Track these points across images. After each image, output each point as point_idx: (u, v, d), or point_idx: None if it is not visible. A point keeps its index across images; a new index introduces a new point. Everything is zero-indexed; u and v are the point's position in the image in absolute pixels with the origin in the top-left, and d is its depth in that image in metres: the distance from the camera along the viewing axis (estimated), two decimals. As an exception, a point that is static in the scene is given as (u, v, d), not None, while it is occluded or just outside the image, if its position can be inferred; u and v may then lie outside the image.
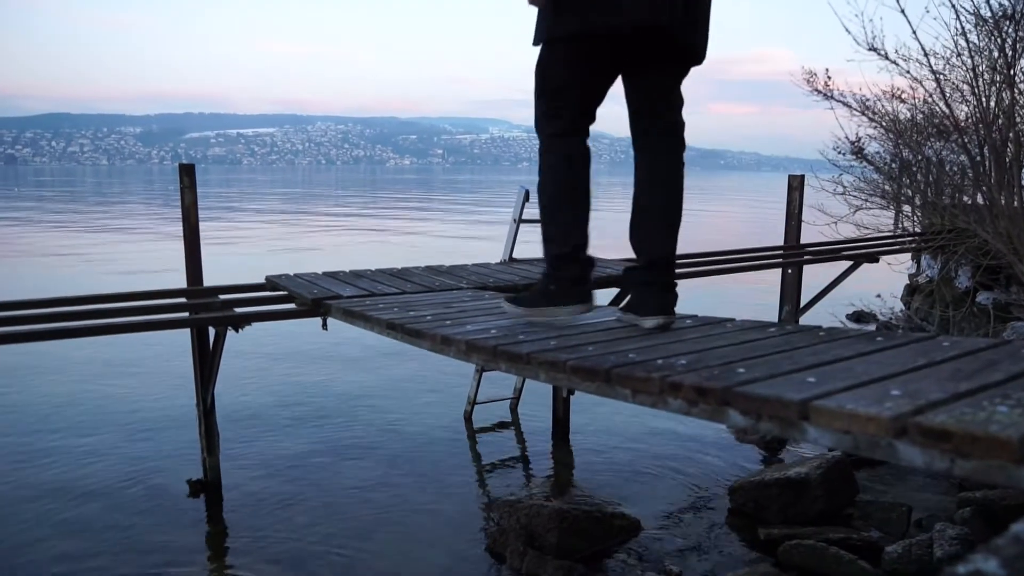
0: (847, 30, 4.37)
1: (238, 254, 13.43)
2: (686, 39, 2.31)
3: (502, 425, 5.28)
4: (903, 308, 8.65)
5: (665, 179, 2.45)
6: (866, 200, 7.62)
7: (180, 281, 4.11)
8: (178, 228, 4.09)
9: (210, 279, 4.12)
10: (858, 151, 6.58)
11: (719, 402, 1.43)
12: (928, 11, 4.12)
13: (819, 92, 6.43)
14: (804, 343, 1.86)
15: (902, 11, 3.26)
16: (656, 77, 2.39)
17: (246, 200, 35.51)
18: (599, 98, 2.42)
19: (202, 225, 4.13)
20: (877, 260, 6.19)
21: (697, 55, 2.38)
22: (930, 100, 6.78)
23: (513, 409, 5.47)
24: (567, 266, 2.47)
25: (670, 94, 2.44)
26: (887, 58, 4.68)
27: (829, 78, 6.49)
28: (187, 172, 3.95)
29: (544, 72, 2.37)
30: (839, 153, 7.20)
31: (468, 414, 5.30)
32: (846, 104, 6.32)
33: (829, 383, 1.37)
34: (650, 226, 2.44)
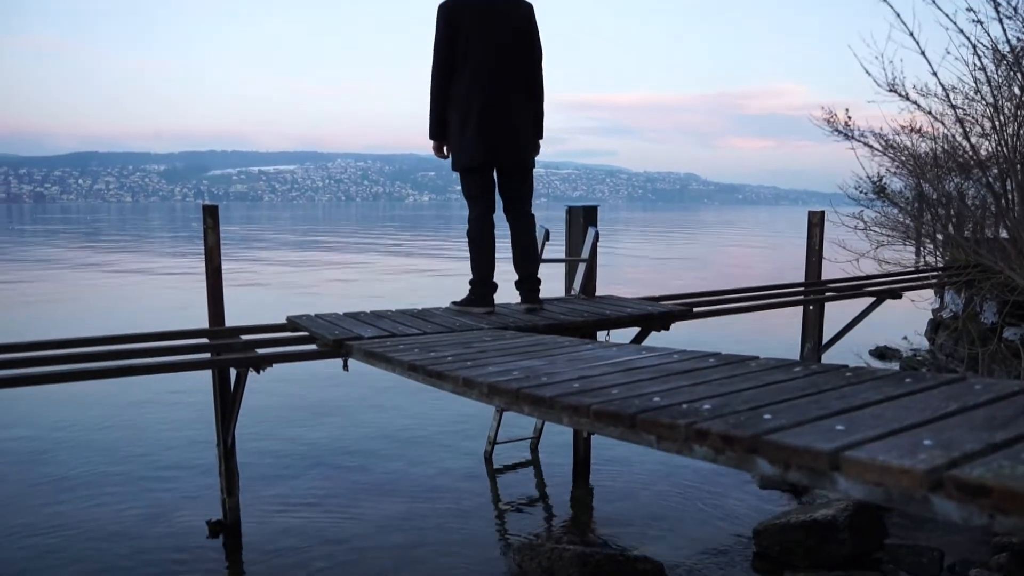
0: (867, 72, 4.40)
1: (259, 288, 13.53)
2: (516, 161, 4.24)
3: (522, 464, 5.23)
4: (928, 345, 8.54)
5: (522, 233, 4.34)
6: (887, 236, 7.57)
7: (202, 318, 4.13)
8: (193, 261, 4.13)
9: (232, 317, 4.14)
10: (880, 190, 6.55)
11: (746, 450, 1.40)
12: (948, 52, 4.14)
13: (839, 132, 6.42)
14: (830, 385, 1.84)
15: (922, 52, 3.26)
16: (508, 183, 4.30)
17: (267, 237, 35.87)
18: (492, 194, 4.28)
19: (223, 262, 4.16)
20: (900, 296, 6.12)
21: (526, 166, 4.31)
22: (950, 135, 6.76)
23: (533, 448, 5.43)
24: (480, 285, 4.23)
25: (520, 188, 4.33)
26: (908, 99, 4.68)
27: (849, 118, 6.50)
28: (210, 213, 3.99)
29: (462, 185, 4.30)
30: (861, 193, 7.17)
31: (488, 454, 5.27)
32: (867, 144, 6.32)
33: (859, 431, 1.34)
34: (517, 260, 4.33)
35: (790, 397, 1.71)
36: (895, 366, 7.97)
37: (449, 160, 4.31)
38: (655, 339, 4.51)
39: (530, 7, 4.26)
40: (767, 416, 1.53)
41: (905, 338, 8.69)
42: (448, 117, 4.19)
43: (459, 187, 4.37)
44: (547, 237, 4.75)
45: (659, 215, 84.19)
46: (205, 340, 3.76)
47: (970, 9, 3.35)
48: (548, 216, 4.69)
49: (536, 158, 4.47)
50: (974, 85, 5.68)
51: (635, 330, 4.32)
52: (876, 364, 8.00)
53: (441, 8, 4.11)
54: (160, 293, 13.62)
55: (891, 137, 7.43)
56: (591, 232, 4.85)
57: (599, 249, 5.03)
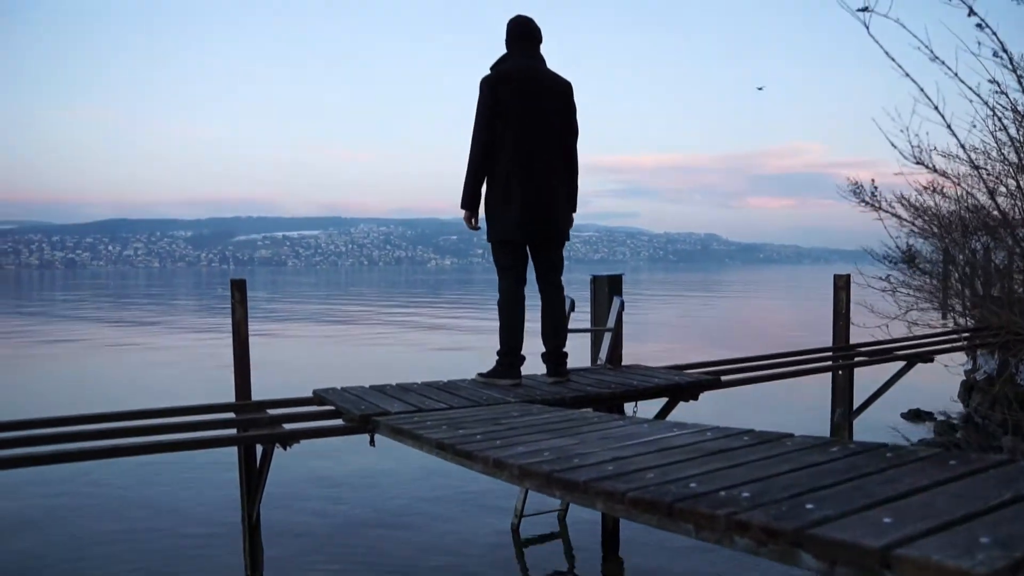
0: (893, 145, 4.42)
1: (284, 354, 13.58)
2: (551, 235, 4.33)
3: (550, 537, 5.12)
4: (962, 408, 8.35)
5: (553, 306, 4.40)
6: (916, 298, 7.48)
7: (228, 388, 4.14)
8: (218, 321, 4.16)
9: (256, 385, 4.14)
10: (910, 259, 6.51)
11: (790, 544, 1.36)
12: (975, 125, 4.17)
13: (866, 202, 6.44)
14: (872, 468, 1.79)
15: (948, 126, 3.27)
16: (542, 255, 4.39)
17: (291, 303, 36.19)
18: (524, 266, 4.34)
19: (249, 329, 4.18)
20: (932, 360, 6.02)
21: (561, 239, 4.42)
22: (974, 195, 6.73)
23: (561, 519, 5.31)
24: (508, 357, 4.24)
25: (553, 260, 4.41)
26: (935, 171, 4.68)
27: (875, 187, 6.52)
28: (238, 288, 4.03)
29: (494, 255, 4.33)
30: (891, 263, 7.12)
31: (515, 526, 5.16)
32: (895, 215, 6.31)
33: (908, 524, 1.30)
34: (546, 332, 4.39)
35: (831, 483, 1.66)
36: (929, 429, 7.79)
37: (471, 225, 4.36)
38: (683, 407, 4.45)
39: (569, 85, 4.37)
40: (809, 505, 1.49)
41: (942, 413, 8.49)
42: (485, 189, 4.25)
43: (480, 250, 4.49)
44: (572, 307, 4.75)
45: (680, 276, 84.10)
46: (232, 415, 3.76)
47: (993, 81, 3.38)
48: (569, 279, 4.71)
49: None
50: (996, 145, 5.68)
51: (663, 400, 4.27)
52: (909, 428, 7.82)
53: (484, 81, 4.20)
54: (180, 363, 13.71)
55: (916, 199, 7.42)
56: (616, 301, 4.85)
57: (624, 318, 5.02)
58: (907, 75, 3.06)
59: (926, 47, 2.98)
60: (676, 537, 4.88)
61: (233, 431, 3.48)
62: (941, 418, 7.98)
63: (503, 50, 4.39)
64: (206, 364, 12.90)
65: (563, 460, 2.10)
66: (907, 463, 1.80)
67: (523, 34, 4.29)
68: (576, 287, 4.95)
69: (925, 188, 7.13)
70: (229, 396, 4.19)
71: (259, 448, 3.76)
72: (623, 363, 4.91)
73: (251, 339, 4.26)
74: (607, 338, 4.88)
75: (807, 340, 7.07)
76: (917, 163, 4.43)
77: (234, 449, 3.99)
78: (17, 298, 43.84)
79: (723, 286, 53.21)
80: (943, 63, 3.01)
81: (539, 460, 2.13)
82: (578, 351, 5.03)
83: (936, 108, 3.18)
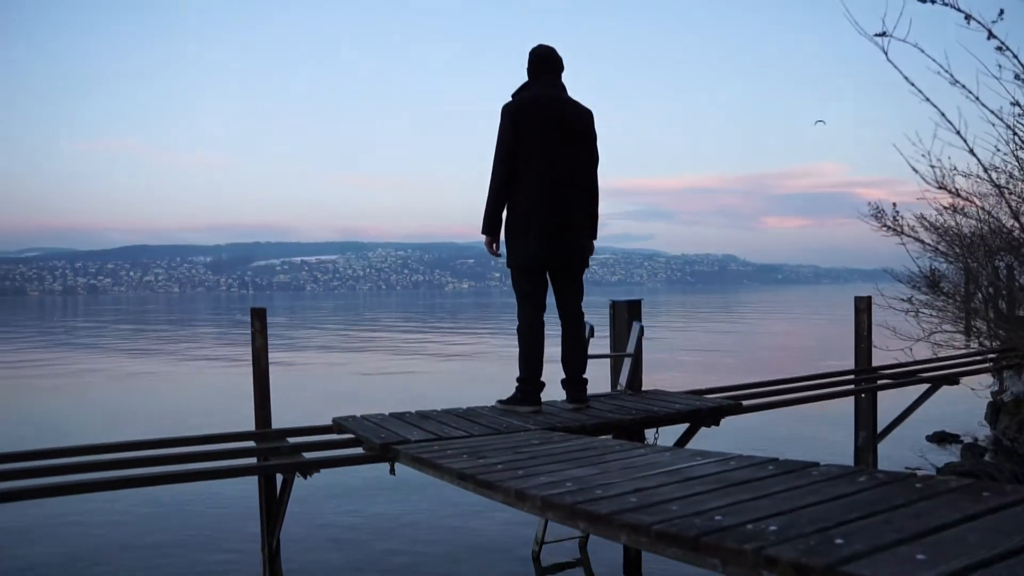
0: (914, 170, 4.40)
1: (302, 379, 13.61)
2: (568, 263, 4.31)
3: (571, 564, 5.06)
4: (989, 430, 8.21)
5: (573, 333, 4.38)
6: (939, 319, 7.39)
7: (248, 415, 4.14)
8: (233, 353, 4.17)
9: (276, 412, 4.14)
10: (934, 284, 6.44)
11: (821, 580, 1.33)
12: (998, 149, 4.13)
13: (888, 227, 6.39)
14: (901, 500, 1.75)
15: (971, 151, 3.25)
16: (562, 282, 4.39)
17: (310, 326, 36.34)
18: (544, 292, 4.35)
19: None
20: (957, 382, 5.93)
21: (581, 267, 4.40)
22: (995, 214, 6.67)
23: (582, 547, 5.25)
24: (528, 383, 4.22)
25: (574, 287, 4.42)
26: (959, 195, 4.65)
27: (897, 212, 6.48)
28: (258, 316, 4.05)
29: (514, 281, 4.35)
30: (914, 286, 7.05)
31: (536, 554, 5.11)
32: (918, 239, 6.26)
33: (942, 562, 1.27)
34: (566, 359, 4.36)
35: (860, 516, 1.63)
36: (955, 452, 7.66)
37: (492, 250, 4.37)
38: (704, 432, 4.40)
39: (590, 113, 4.38)
40: (839, 540, 1.46)
41: (968, 435, 8.35)
42: (506, 215, 4.27)
43: (498, 274, 4.50)
44: (592, 333, 4.73)
45: (698, 297, 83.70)
46: (252, 443, 3.76)
47: (1015, 103, 3.35)
48: (587, 302, 4.69)
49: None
50: (1019, 166, 5.63)
51: (684, 425, 4.23)
52: (935, 451, 7.70)
53: (506, 109, 4.22)
54: (199, 391, 13.77)
55: (936, 219, 7.35)
56: (636, 327, 4.83)
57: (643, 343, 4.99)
58: (927, 100, 3.04)
59: (946, 71, 2.96)
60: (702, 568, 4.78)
61: (253, 460, 3.48)
62: (968, 441, 7.85)
63: (523, 77, 4.42)
64: (225, 392, 12.95)
65: (585, 491, 2.08)
66: (938, 494, 1.76)
67: (544, 63, 4.32)
68: (594, 310, 4.93)
69: (946, 208, 7.08)
70: (249, 423, 4.20)
71: (279, 476, 3.75)
72: (643, 388, 4.88)
73: (270, 365, 4.27)
74: (627, 364, 4.86)
75: (828, 362, 7.00)
76: (940, 188, 4.40)
77: (254, 477, 3.98)
78: (40, 323, 44.33)
79: (742, 307, 52.89)
80: (963, 86, 2.99)
81: (561, 491, 2.11)
82: (598, 377, 5.00)
83: (958, 132, 3.16)
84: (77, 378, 15.74)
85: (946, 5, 2.86)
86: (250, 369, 4.19)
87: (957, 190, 4.52)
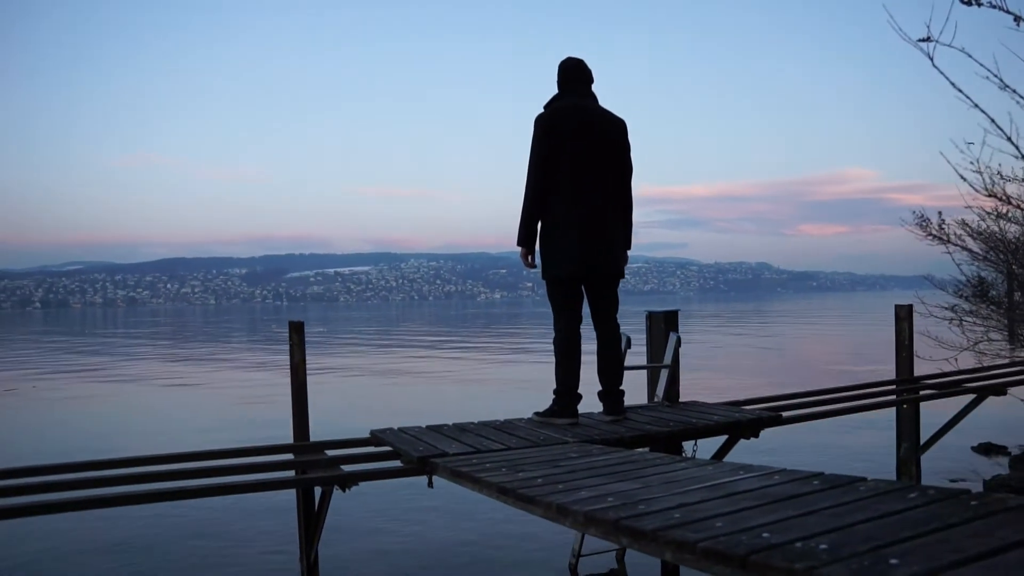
0: (963, 178, 4.31)
1: (340, 390, 13.70)
2: (603, 275, 4.29)
3: (609, 577, 5.01)
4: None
5: (609, 344, 4.36)
6: (985, 327, 7.22)
7: (286, 425, 4.16)
8: (272, 359, 4.20)
9: (313, 424, 4.15)
10: (983, 293, 6.30)
11: (877, 603, 1.29)
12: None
13: (933, 235, 6.27)
14: (956, 518, 1.70)
15: (1022, 156, 3.17)
16: (597, 293, 4.35)
17: (345, 336, 36.61)
18: (580, 304, 4.29)
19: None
20: (1004, 392, 5.78)
21: (616, 278, 4.39)
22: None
23: (620, 559, 5.20)
24: (565, 396, 4.20)
25: (609, 298, 4.38)
26: (1010, 202, 4.55)
27: (943, 221, 6.36)
28: (296, 330, 4.08)
29: (549, 293, 4.31)
30: (961, 297, 6.90)
31: (573, 566, 5.07)
32: (966, 248, 6.13)
33: (1006, 584, 1.22)
34: (602, 370, 4.34)
35: (914, 535, 1.58)
36: (1002, 464, 7.47)
37: (527, 262, 4.36)
38: (743, 443, 4.34)
39: (623, 123, 4.36)
40: (893, 560, 1.42)
41: (1017, 445, 8.14)
42: (540, 226, 4.25)
43: (530, 283, 4.49)
44: (629, 345, 4.70)
45: (733, 306, 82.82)
46: (290, 456, 3.78)
47: (1064, 106, 3.26)
48: (621, 312, 4.65)
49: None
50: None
51: (722, 437, 4.17)
52: (981, 461, 7.50)
53: (539, 120, 4.22)
54: (236, 402, 13.92)
55: (978, 224, 7.20)
56: (672, 337, 4.78)
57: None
58: (976, 106, 2.97)
59: (995, 76, 2.90)
60: None
61: (292, 473, 3.50)
62: (1016, 452, 7.65)
63: (552, 87, 4.41)
64: (262, 403, 13.08)
65: (628, 507, 2.05)
66: (995, 513, 1.71)
67: (575, 74, 4.31)
68: (629, 320, 4.89)
69: (988, 213, 6.93)
70: (287, 434, 4.22)
71: (317, 489, 3.77)
72: (680, 399, 4.83)
73: (308, 374, 4.29)
74: (664, 375, 4.81)
75: (867, 372, 6.87)
76: (989, 196, 4.31)
77: (292, 490, 4.00)
78: (83, 335, 45.22)
79: (777, 316, 52.22)
80: (1014, 91, 2.91)
81: (604, 506, 2.08)
82: (635, 388, 4.96)
83: (1009, 139, 3.08)
84: (115, 389, 16.00)
85: (994, 7, 2.79)
86: (287, 379, 4.22)
87: (1008, 197, 4.42)
